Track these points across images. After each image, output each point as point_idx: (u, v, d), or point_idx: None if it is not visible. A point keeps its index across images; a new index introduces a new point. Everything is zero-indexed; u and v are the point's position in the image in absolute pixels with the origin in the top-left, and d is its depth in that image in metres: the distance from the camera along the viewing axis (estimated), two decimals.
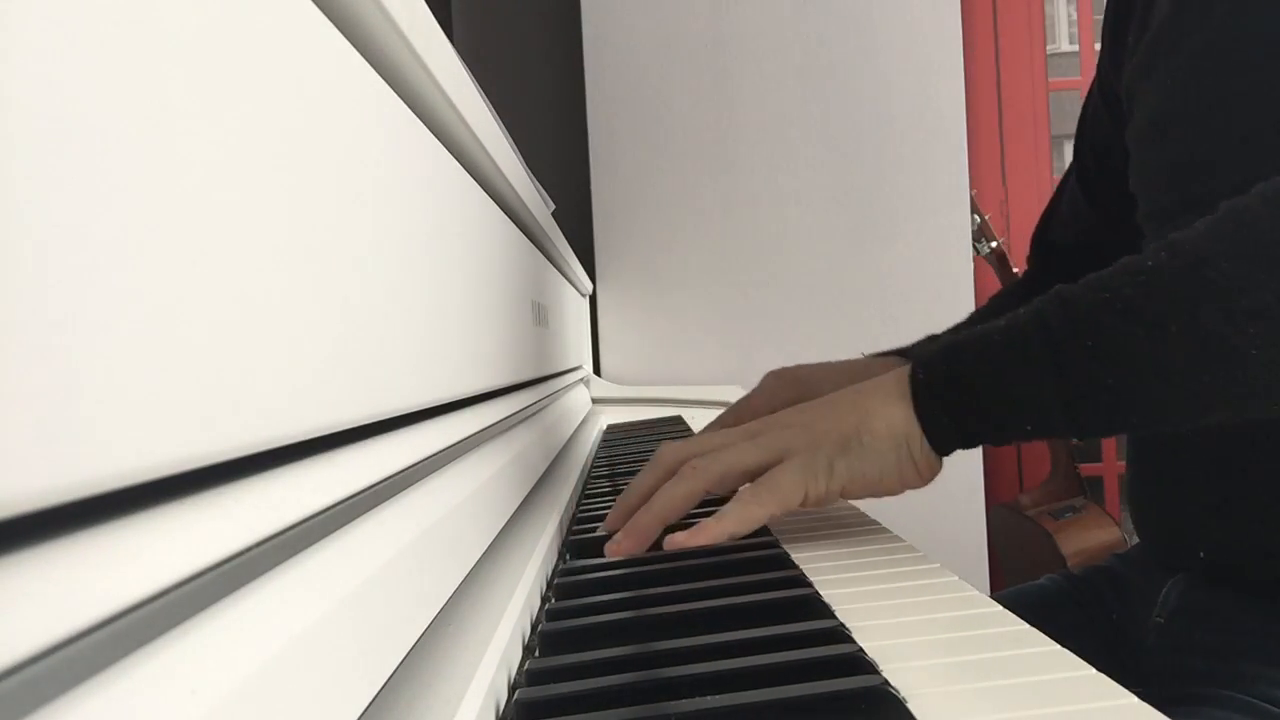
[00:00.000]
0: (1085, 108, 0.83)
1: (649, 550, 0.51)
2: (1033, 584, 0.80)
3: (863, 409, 0.52)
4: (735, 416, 0.70)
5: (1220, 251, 0.45)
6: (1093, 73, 0.82)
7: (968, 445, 0.51)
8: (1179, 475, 0.65)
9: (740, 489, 0.52)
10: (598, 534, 0.55)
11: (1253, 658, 0.57)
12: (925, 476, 0.52)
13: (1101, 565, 0.77)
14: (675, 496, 0.52)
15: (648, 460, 0.57)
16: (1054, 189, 0.89)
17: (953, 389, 0.50)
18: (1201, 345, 0.44)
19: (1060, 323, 0.47)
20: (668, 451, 0.55)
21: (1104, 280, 0.48)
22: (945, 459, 0.53)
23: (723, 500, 0.53)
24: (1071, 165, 0.86)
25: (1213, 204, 0.48)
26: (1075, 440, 0.58)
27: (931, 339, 0.79)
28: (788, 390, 0.70)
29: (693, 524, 0.51)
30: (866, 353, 0.80)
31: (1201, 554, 0.62)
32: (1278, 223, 0.44)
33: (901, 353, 0.77)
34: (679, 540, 0.50)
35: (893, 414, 0.51)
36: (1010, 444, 0.50)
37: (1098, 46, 0.80)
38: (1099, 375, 0.46)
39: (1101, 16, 0.79)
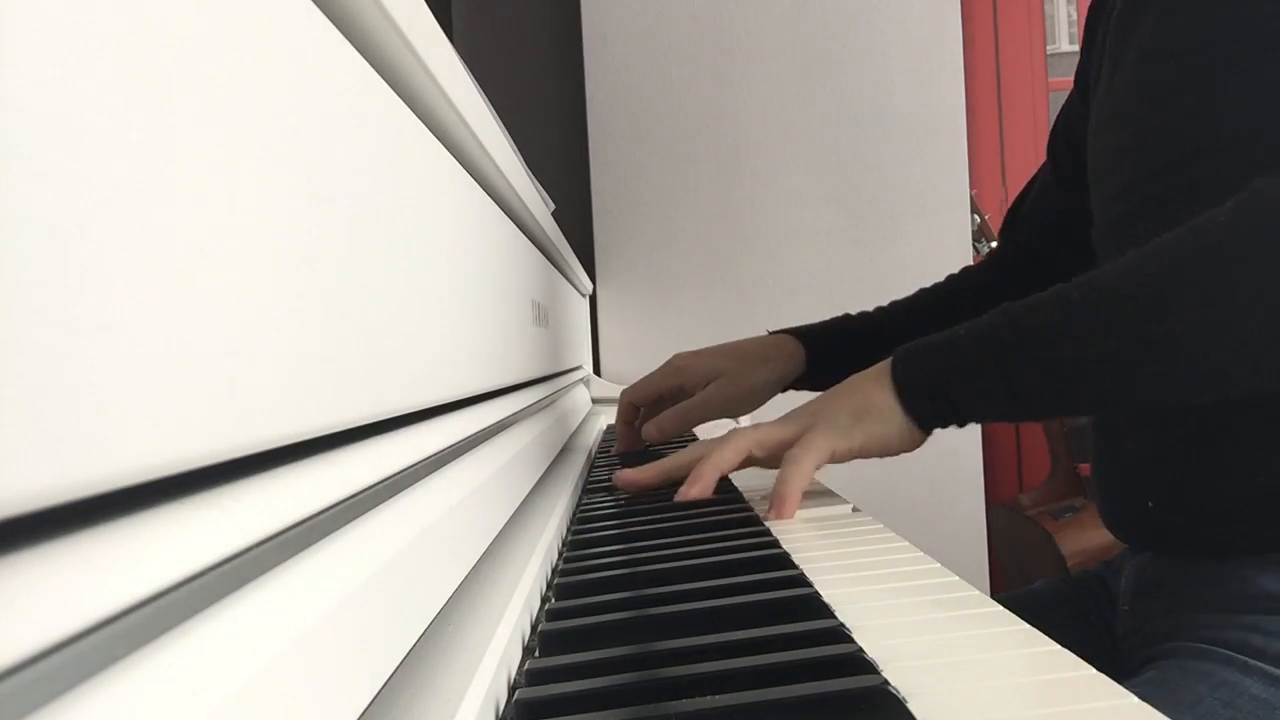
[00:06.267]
0: (1064, 106, 0.88)
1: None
2: (1029, 588, 0.83)
3: (864, 391, 0.65)
4: (632, 395, 0.87)
5: (1130, 294, 0.56)
6: None
7: (943, 425, 0.64)
8: (1127, 445, 0.69)
9: (786, 454, 0.63)
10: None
11: (1192, 607, 0.62)
12: (919, 442, 0.65)
13: (1092, 570, 0.80)
14: (727, 451, 0.65)
15: (648, 458, 0.67)
16: None
17: (928, 383, 0.63)
18: (1110, 363, 0.56)
19: (1008, 337, 0.60)
20: (703, 441, 0.68)
21: (1041, 304, 0.59)
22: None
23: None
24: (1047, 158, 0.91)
25: (1152, 198, 0.62)
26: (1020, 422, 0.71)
27: (844, 318, 0.93)
28: (669, 379, 0.85)
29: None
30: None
31: (1150, 504, 0.66)
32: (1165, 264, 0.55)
33: (795, 332, 0.90)
34: (786, 505, 0.61)
35: (887, 395, 0.64)
36: (972, 423, 0.64)
37: None
38: (1036, 380, 0.59)
39: None
